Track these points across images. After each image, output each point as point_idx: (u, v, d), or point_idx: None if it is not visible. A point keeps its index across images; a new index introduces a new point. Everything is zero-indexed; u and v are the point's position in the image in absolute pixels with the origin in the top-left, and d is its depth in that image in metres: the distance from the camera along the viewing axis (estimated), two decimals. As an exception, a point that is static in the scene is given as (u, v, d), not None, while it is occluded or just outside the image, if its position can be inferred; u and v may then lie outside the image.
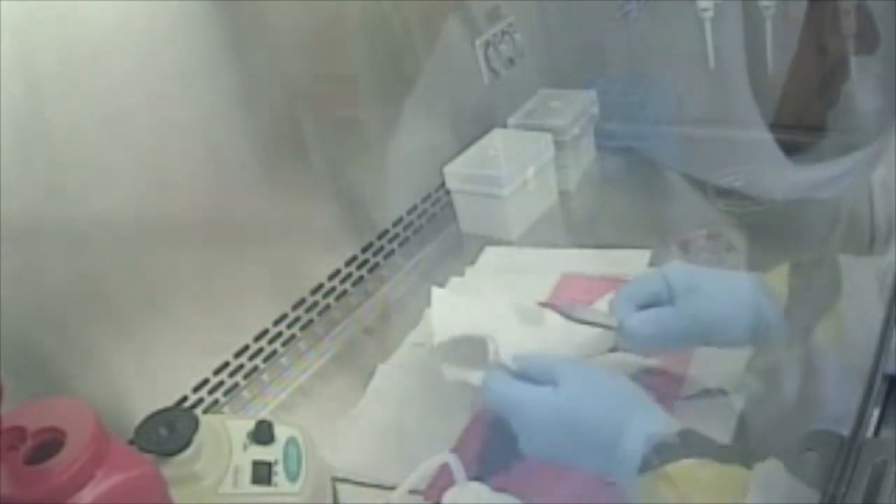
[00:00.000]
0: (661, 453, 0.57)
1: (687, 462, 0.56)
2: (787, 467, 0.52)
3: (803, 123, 1.04)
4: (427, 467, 0.72)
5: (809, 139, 1.01)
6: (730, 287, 0.72)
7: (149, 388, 0.78)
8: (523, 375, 0.67)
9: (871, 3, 0.95)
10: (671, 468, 0.56)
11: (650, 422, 0.60)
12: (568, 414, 0.62)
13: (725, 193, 1.02)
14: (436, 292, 0.84)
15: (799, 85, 1.05)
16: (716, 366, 0.77)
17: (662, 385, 0.77)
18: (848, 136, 0.99)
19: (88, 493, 0.53)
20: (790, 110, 1.07)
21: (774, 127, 1.04)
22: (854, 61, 0.98)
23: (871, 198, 0.78)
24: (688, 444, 0.58)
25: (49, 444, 0.54)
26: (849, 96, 0.99)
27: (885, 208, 0.75)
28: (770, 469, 0.54)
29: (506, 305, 0.81)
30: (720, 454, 0.57)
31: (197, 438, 0.66)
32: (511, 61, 1.17)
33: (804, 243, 0.87)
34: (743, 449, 0.60)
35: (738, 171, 1.04)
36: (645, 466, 0.58)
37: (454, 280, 1.02)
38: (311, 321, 0.97)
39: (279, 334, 0.93)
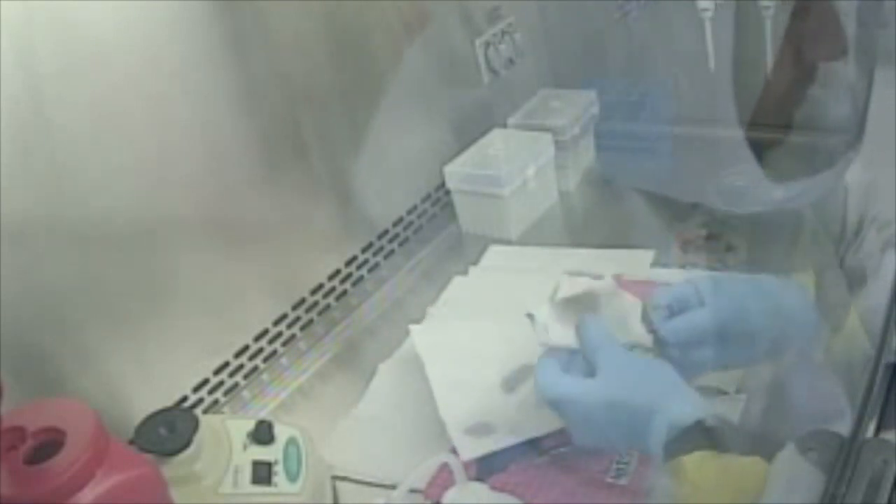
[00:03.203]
0: (680, 443, 0.59)
1: (700, 454, 0.58)
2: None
3: (778, 124, 1.05)
4: (427, 467, 0.72)
5: (782, 138, 1.02)
6: (757, 285, 0.73)
7: (149, 388, 0.78)
8: (571, 362, 0.69)
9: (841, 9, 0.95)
10: (686, 459, 0.58)
11: (675, 411, 0.61)
12: (606, 407, 0.65)
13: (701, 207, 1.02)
14: (414, 330, 0.86)
15: (777, 87, 1.06)
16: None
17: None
18: (820, 138, 1.00)
19: (88, 493, 0.53)
20: (767, 112, 1.08)
21: (751, 125, 1.06)
22: (825, 66, 0.99)
23: (845, 196, 0.78)
24: (709, 433, 0.59)
25: (49, 444, 0.54)
26: (820, 101, 1.00)
27: (857, 205, 0.76)
28: (787, 458, 0.54)
29: (490, 327, 0.82)
30: (742, 444, 0.58)
31: (197, 438, 0.66)
32: (511, 61, 1.17)
33: (777, 250, 0.88)
34: (764, 439, 0.61)
35: (737, 171, 1.05)
36: (668, 455, 0.60)
37: (457, 279, 1.02)
38: (311, 321, 0.97)
39: (279, 334, 0.93)
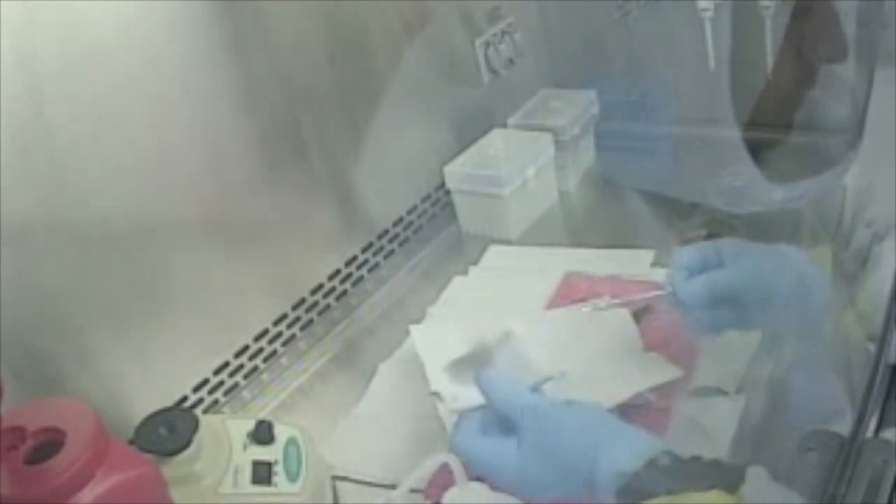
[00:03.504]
0: (633, 490, 0.55)
1: (659, 501, 0.54)
2: (774, 475, 0.52)
3: (778, 124, 1.05)
4: (427, 467, 0.71)
5: (782, 139, 1.03)
6: (777, 254, 0.72)
7: (149, 388, 0.78)
8: (486, 419, 0.66)
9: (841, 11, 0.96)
10: None
11: (618, 458, 0.57)
12: (533, 471, 0.61)
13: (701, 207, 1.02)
14: (414, 330, 0.86)
15: (777, 88, 1.06)
16: (717, 365, 0.77)
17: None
18: (820, 139, 1.00)
19: (88, 493, 0.53)
20: (767, 112, 1.08)
21: (751, 126, 1.06)
22: (825, 67, 0.99)
23: (844, 196, 0.78)
24: (664, 471, 0.55)
25: (49, 444, 0.54)
26: (820, 101, 1.00)
27: (854, 204, 0.76)
28: (755, 486, 0.52)
29: (490, 325, 0.82)
30: (701, 476, 0.54)
31: (197, 438, 0.66)
32: (511, 61, 1.17)
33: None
34: (726, 465, 0.57)
35: (736, 172, 1.05)
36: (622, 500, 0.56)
37: (457, 279, 1.02)
38: (311, 321, 0.97)
39: (279, 334, 0.93)
